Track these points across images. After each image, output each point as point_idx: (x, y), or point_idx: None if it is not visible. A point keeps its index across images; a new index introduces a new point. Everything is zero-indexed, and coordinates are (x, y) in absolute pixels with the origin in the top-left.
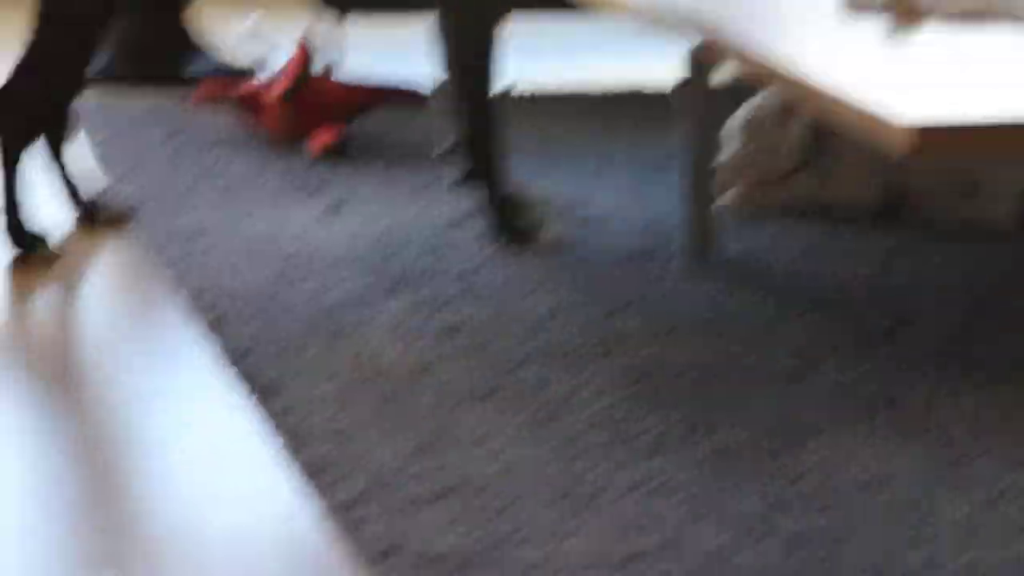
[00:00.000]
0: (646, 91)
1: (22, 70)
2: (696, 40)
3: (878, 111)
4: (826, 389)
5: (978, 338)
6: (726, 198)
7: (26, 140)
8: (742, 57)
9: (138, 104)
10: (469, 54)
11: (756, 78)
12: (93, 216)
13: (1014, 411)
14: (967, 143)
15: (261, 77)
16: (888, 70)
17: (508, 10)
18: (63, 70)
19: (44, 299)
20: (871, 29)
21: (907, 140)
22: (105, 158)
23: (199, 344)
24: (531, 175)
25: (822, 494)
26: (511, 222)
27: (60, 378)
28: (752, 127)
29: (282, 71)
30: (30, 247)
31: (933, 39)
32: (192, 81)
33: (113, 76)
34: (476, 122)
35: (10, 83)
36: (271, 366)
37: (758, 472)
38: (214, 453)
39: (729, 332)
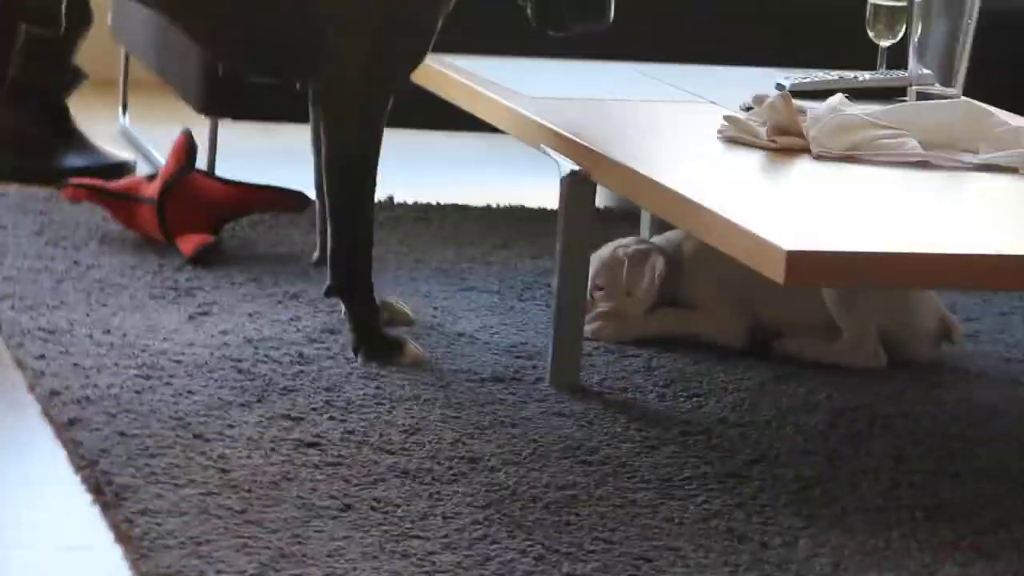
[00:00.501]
0: (522, 208)
1: None
2: (577, 161)
3: (758, 233)
4: (687, 522)
5: (840, 475)
6: (586, 329)
7: None
8: (622, 177)
9: (9, 196)
10: (341, 167)
11: (635, 197)
12: None
13: (873, 549)
14: (842, 270)
15: (137, 173)
16: (767, 198)
17: (386, 124)
18: None
19: None
20: (750, 160)
21: (784, 264)
22: None
23: (51, 445)
24: (399, 290)
25: None
26: (375, 338)
27: None
28: (609, 265)
29: (159, 168)
30: None
31: (810, 172)
32: (66, 175)
33: None
34: (344, 237)
35: None
36: (124, 470)
37: None
38: (55, 558)
39: (591, 459)
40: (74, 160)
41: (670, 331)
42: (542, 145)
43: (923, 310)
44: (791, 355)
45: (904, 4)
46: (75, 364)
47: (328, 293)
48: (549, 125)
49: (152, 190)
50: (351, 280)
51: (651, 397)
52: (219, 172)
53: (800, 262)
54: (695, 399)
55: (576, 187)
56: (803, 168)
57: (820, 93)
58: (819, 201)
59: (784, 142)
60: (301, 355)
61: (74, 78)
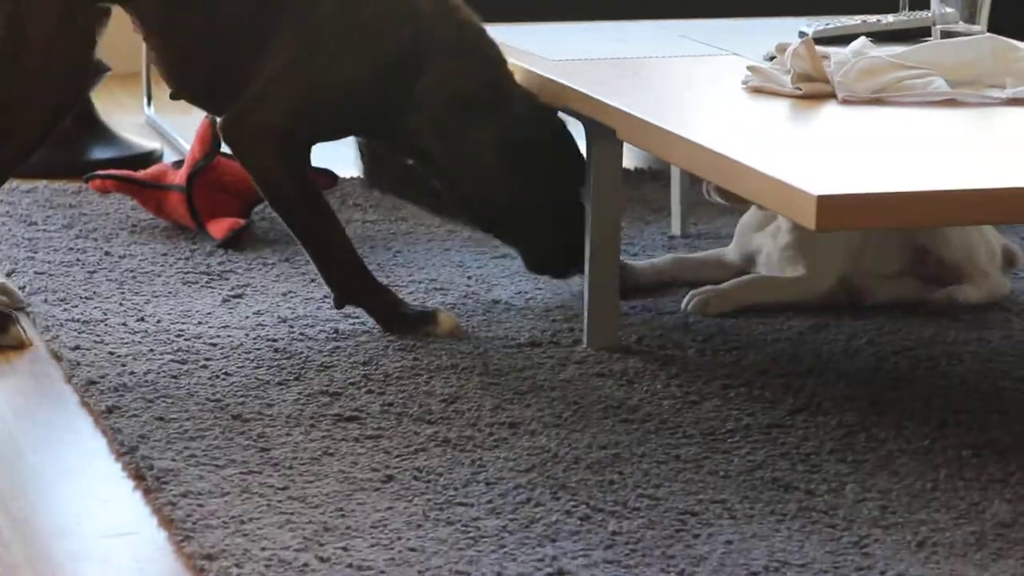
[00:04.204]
0: None
1: None
2: (604, 121)
3: (788, 181)
4: (732, 474)
5: (884, 419)
6: (688, 305)
7: None
8: (650, 134)
9: (38, 191)
10: (272, 200)
11: (663, 154)
12: None
13: (920, 490)
14: (873, 211)
15: (164, 161)
16: (795, 145)
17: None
18: None
19: None
20: (776, 108)
21: (815, 209)
22: (0, 246)
23: (90, 434)
24: (432, 261)
25: None
26: (403, 319)
27: None
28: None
29: (186, 155)
30: None
31: (837, 117)
32: (93, 167)
33: None
34: (315, 253)
35: None
36: (164, 455)
37: (658, 556)
38: (101, 545)
39: (633, 417)
40: (100, 152)
41: (764, 298)
42: (567, 106)
43: (994, 238)
44: (946, 306)
45: None
46: (110, 353)
47: (339, 304)
48: (574, 87)
49: (180, 177)
50: (348, 283)
51: (690, 353)
52: None
53: (831, 206)
54: (735, 352)
55: (604, 147)
56: (830, 113)
57: (843, 38)
58: (847, 145)
59: (809, 89)
60: (336, 331)
61: (96, 71)
